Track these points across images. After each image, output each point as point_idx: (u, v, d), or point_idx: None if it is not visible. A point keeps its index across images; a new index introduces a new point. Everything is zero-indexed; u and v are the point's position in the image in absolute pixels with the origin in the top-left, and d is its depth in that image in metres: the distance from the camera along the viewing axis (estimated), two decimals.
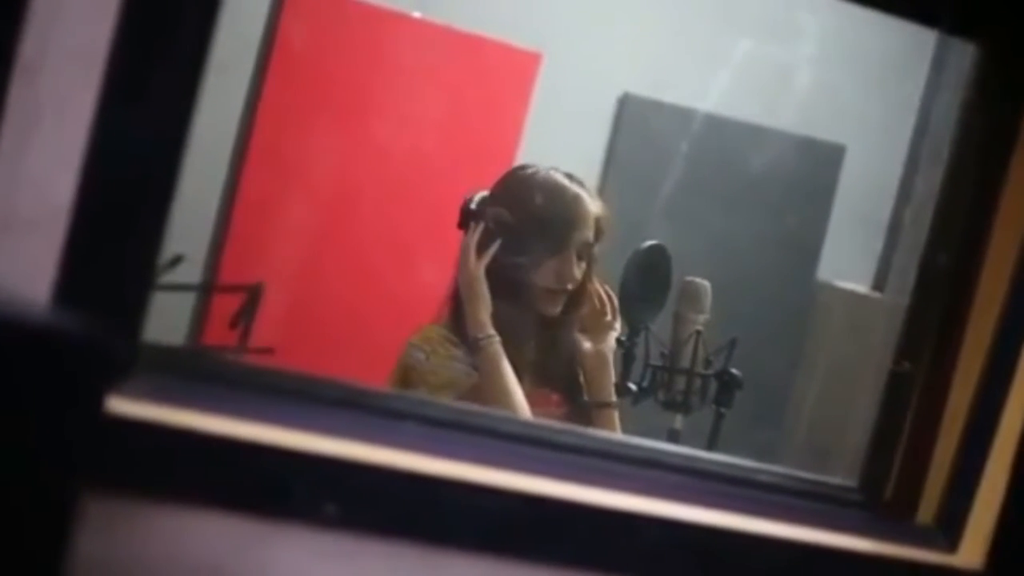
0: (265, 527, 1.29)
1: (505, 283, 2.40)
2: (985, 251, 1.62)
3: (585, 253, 2.45)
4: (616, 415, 2.49)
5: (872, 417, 1.68)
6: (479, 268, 2.39)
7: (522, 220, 2.41)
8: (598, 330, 2.51)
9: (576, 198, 2.43)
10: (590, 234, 2.44)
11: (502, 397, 2.33)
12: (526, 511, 1.37)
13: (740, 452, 1.68)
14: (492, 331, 2.37)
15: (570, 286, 2.44)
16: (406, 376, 2.39)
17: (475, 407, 2.20)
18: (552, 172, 2.46)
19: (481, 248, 2.40)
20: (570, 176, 2.47)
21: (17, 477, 1.00)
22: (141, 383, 1.26)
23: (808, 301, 4.95)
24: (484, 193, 2.47)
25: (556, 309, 2.45)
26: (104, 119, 1.19)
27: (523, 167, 2.52)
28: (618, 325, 2.52)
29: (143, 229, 1.23)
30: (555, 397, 2.49)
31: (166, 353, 1.39)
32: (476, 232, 2.40)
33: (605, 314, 2.51)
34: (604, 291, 2.51)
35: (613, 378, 2.51)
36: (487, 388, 2.34)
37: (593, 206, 2.45)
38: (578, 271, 2.43)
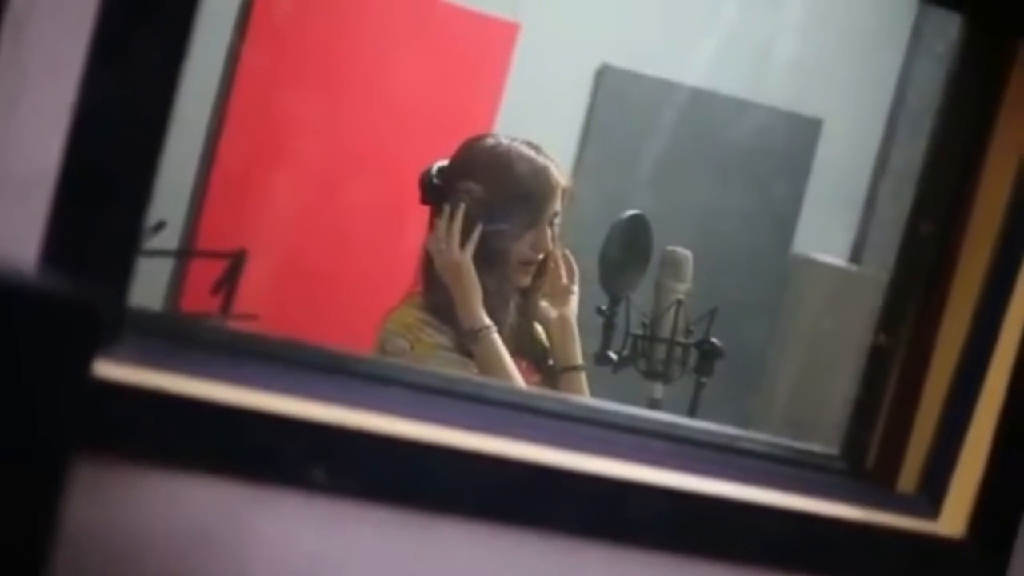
0: (253, 492, 1.29)
1: (482, 258, 2.37)
2: (967, 221, 1.62)
3: (553, 223, 2.44)
4: (583, 378, 2.48)
5: (851, 387, 1.69)
6: (466, 256, 2.34)
7: (499, 194, 2.38)
8: (558, 294, 2.50)
9: (546, 170, 2.42)
10: (559, 204, 2.43)
11: None
12: (513, 477, 1.37)
13: (717, 422, 1.69)
14: (488, 321, 2.34)
15: (542, 256, 2.43)
16: None
17: (459, 373, 2.20)
18: (516, 143, 2.43)
19: (464, 233, 2.35)
20: (535, 147, 2.44)
21: (4, 441, 1.00)
22: (128, 348, 1.25)
23: (785, 273, 4.96)
24: (442, 163, 2.43)
25: (528, 279, 2.45)
26: (92, 78, 1.18)
27: (481, 138, 2.49)
28: (576, 288, 2.51)
29: (130, 191, 1.22)
30: (524, 364, 2.46)
31: (153, 318, 1.38)
32: (457, 216, 2.35)
33: (561, 278, 2.50)
34: (562, 254, 2.50)
35: (578, 341, 2.50)
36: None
37: (561, 178, 2.44)
38: (550, 241, 2.43)
